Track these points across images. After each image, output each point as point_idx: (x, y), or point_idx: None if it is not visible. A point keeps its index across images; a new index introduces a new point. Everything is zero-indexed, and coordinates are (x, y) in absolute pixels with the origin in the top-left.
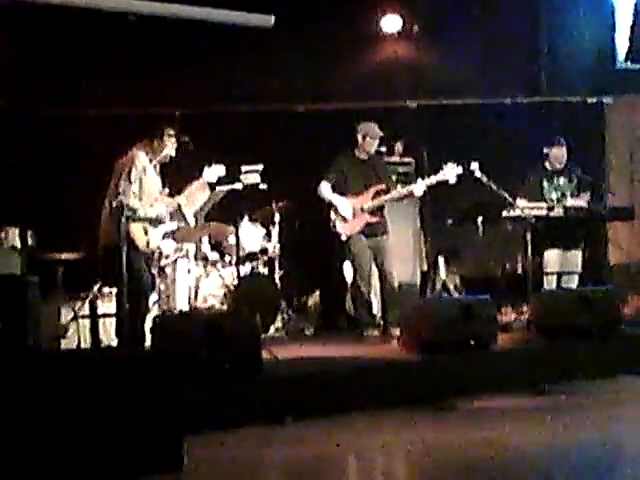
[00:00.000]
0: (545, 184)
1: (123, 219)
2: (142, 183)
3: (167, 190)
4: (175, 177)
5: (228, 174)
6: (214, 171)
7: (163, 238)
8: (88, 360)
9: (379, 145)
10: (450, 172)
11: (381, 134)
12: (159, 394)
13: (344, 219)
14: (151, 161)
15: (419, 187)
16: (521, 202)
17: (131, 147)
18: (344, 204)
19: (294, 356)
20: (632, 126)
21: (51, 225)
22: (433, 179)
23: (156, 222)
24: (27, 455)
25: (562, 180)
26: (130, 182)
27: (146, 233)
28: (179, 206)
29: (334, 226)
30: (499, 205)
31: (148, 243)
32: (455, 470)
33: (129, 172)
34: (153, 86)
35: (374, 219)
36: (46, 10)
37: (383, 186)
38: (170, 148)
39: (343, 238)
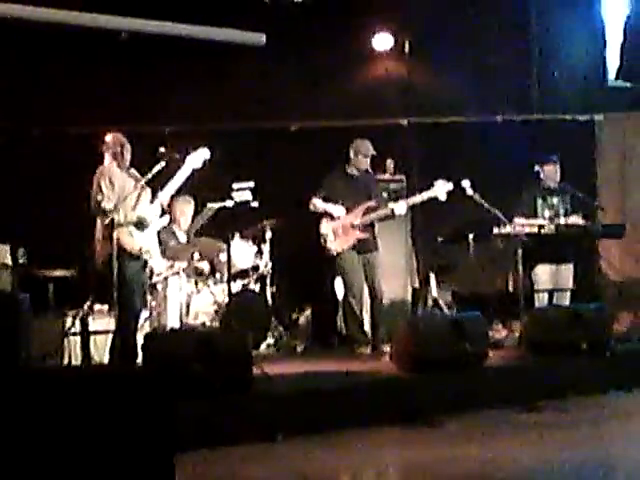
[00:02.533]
0: (539, 202)
1: (115, 234)
2: (115, 191)
3: (148, 191)
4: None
5: (219, 191)
6: (199, 155)
7: (161, 243)
8: (79, 378)
9: (372, 161)
10: (440, 189)
11: (373, 152)
12: (150, 411)
13: (335, 234)
14: (120, 166)
15: (401, 207)
16: (519, 220)
17: (101, 163)
18: (337, 209)
19: (285, 373)
20: (623, 144)
21: (42, 242)
22: (424, 195)
23: (141, 224)
24: (17, 473)
25: (555, 199)
26: (103, 194)
27: (133, 238)
28: (165, 208)
29: (324, 241)
30: (490, 222)
31: (140, 247)
32: None
33: (99, 184)
34: (145, 103)
35: (364, 235)
36: (35, 29)
37: (373, 203)
38: (126, 150)
39: (333, 253)
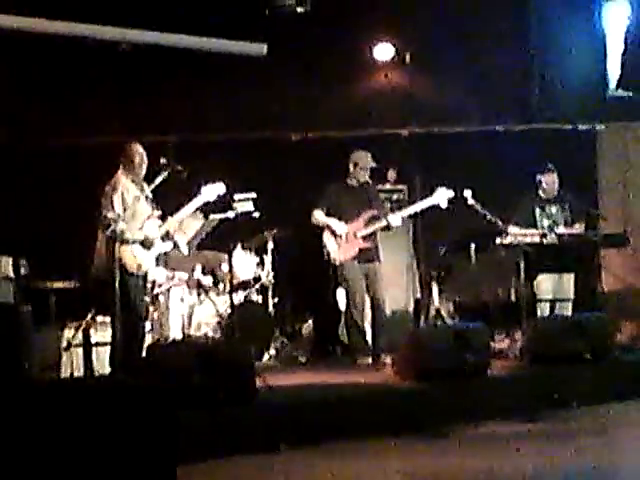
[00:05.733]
0: (537, 212)
1: (116, 247)
2: (127, 206)
3: (158, 212)
4: (168, 204)
5: (223, 199)
6: (213, 189)
7: (158, 262)
8: (81, 390)
9: (372, 172)
10: (441, 196)
11: (372, 164)
12: (152, 423)
13: (338, 244)
14: (135, 183)
15: (395, 219)
16: (513, 229)
17: (115, 173)
18: (339, 225)
19: (288, 384)
20: (623, 153)
21: (44, 254)
22: (424, 203)
23: (145, 244)
24: None
25: (554, 208)
26: (113, 208)
27: (136, 256)
28: (172, 234)
29: (327, 252)
30: (492, 232)
31: (139, 266)
32: None
33: (111, 198)
34: (146, 114)
35: (367, 245)
36: (37, 40)
37: (375, 212)
38: (142, 160)
39: (337, 263)
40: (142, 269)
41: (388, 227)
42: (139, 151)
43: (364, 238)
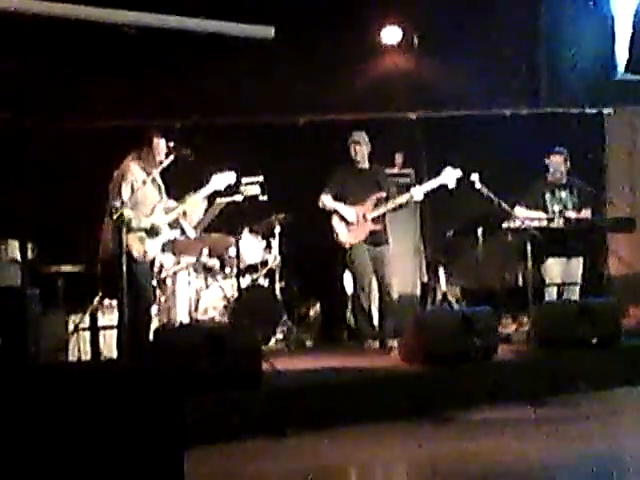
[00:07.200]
0: (547, 196)
1: (123, 231)
2: (135, 194)
3: (166, 199)
4: (175, 188)
5: (228, 186)
6: (224, 178)
7: (163, 250)
8: (88, 373)
9: (376, 155)
10: (449, 175)
11: (358, 138)
12: (159, 407)
13: (347, 227)
14: (145, 170)
15: (418, 192)
16: (520, 209)
17: (124, 159)
18: (348, 210)
19: (294, 368)
20: (632, 137)
21: (51, 238)
22: (433, 183)
23: (152, 232)
24: (26, 470)
25: (564, 193)
26: (121, 194)
27: (142, 243)
28: (178, 218)
29: (336, 235)
30: (499, 216)
31: (145, 253)
32: None
33: (119, 184)
34: (153, 98)
35: (377, 227)
36: (45, 22)
37: (384, 194)
38: (161, 154)
39: (347, 246)
40: (148, 256)
41: (406, 204)
42: (162, 150)
43: (374, 220)
